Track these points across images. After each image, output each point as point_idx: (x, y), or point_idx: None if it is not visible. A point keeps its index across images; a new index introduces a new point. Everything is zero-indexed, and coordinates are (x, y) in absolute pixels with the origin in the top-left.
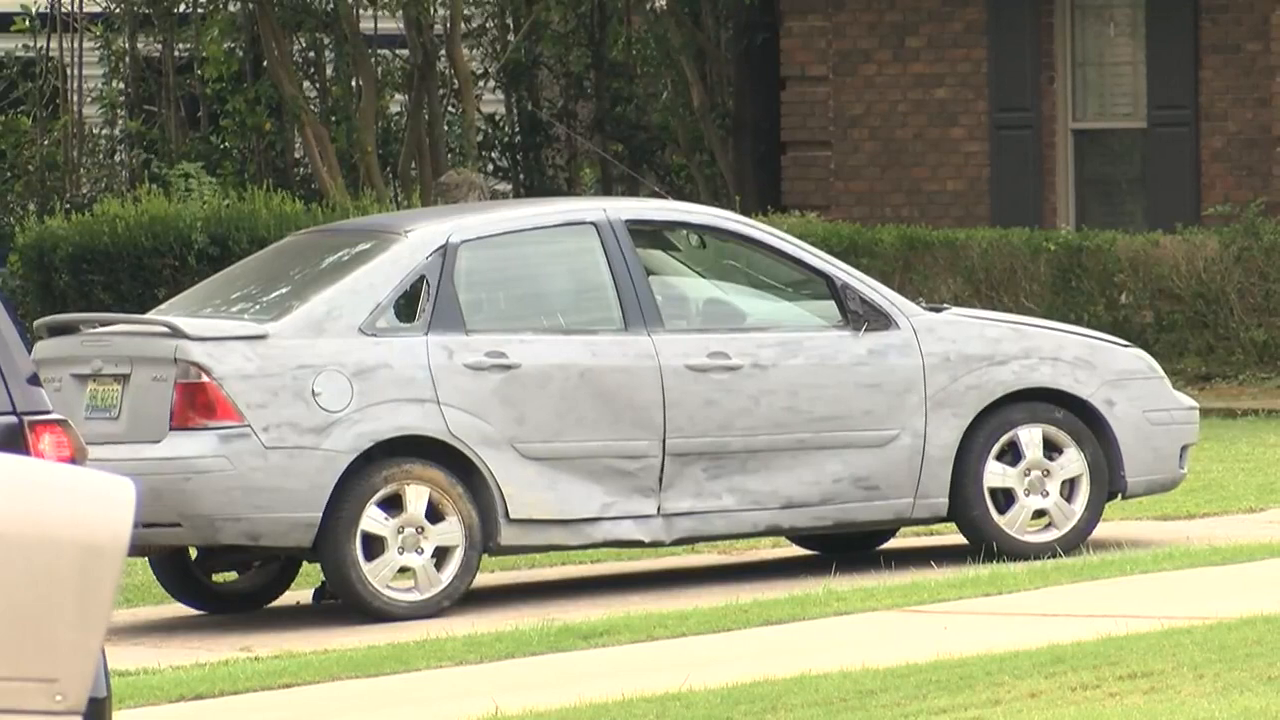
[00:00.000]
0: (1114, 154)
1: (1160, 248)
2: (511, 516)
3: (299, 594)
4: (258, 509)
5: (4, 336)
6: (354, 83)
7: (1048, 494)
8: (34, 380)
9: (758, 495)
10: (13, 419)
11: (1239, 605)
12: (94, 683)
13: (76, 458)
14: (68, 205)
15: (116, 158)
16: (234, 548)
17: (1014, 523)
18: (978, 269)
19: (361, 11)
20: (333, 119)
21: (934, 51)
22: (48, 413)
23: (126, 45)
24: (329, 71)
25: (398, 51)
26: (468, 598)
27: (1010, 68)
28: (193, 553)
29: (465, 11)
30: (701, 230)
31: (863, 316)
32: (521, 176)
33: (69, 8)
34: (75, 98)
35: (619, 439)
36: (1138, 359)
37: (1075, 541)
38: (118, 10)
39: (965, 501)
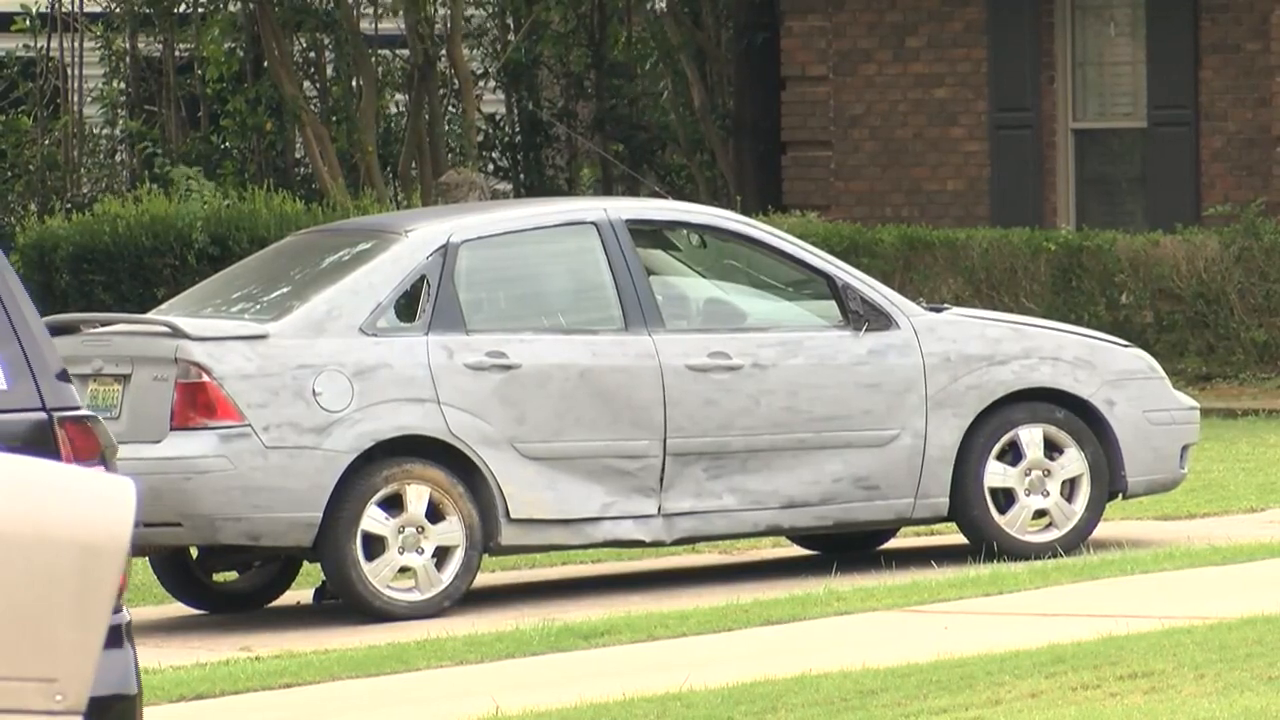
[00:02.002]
0: (1114, 154)
1: (1160, 248)
2: (512, 516)
3: (299, 594)
4: (258, 509)
5: (33, 332)
6: (354, 83)
7: (1048, 494)
8: (63, 376)
9: (758, 495)
10: (42, 415)
11: (1239, 605)
12: (125, 680)
13: (106, 455)
14: (68, 205)
15: (117, 158)
16: (234, 547)
17: (1014, 522)
18: (978, 269)
19: (361, 11)
20: (333, 119)
21: (934, 51)
22: (77, 409)
23: (127, 45)
24: (329, 71)
25: (398, 51)
26: (468, 597)
27: (1010, 67)
28: (193, 552)
29: (465, 11)
30: (702, 230)
31: (863, 316)
32: (522, 176)
33: (69, 7)
34: (76, 97)
35: (619, 439)
36: (1138, 359)
37: (1076, 541)
38: (118, 10)
39: (966, 501)
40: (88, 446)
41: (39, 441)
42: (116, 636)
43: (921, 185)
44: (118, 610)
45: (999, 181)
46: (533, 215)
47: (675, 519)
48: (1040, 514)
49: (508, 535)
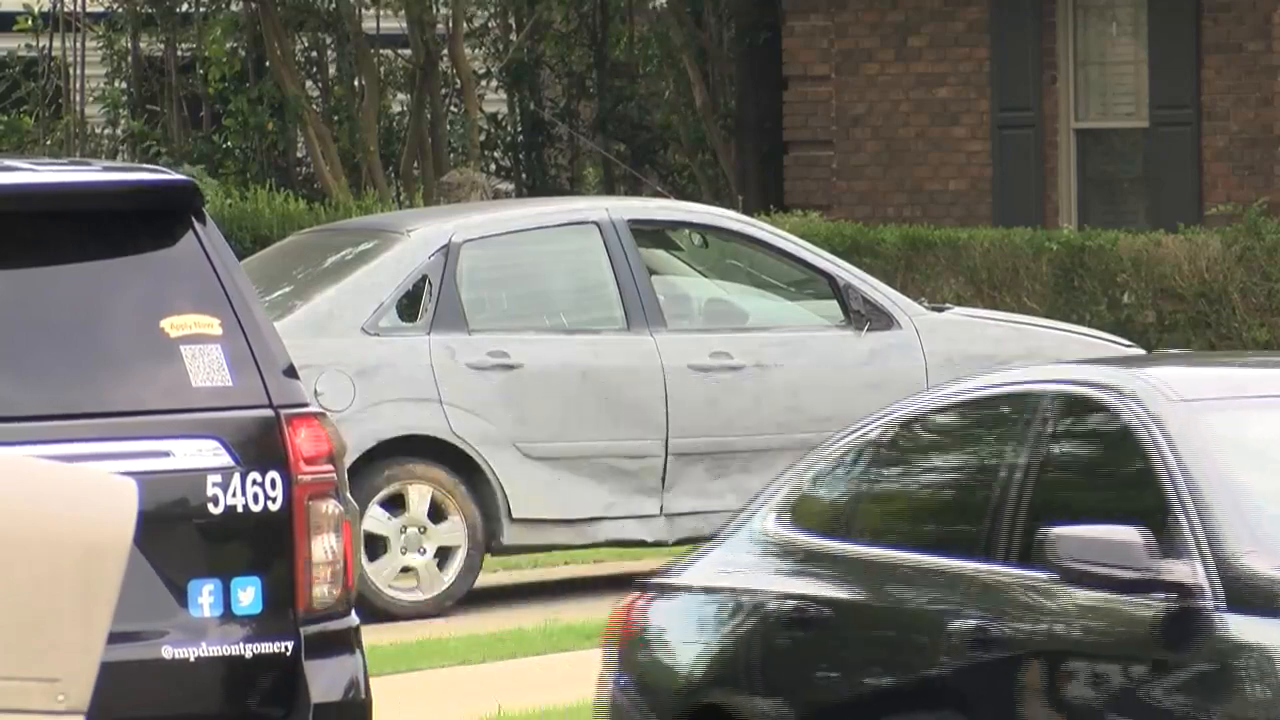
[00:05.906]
0: (1116, 153)
1: (1162, 247)
2: (514, 516)
3: None
4: None
5: (259, 325)
6: (356, 82)
7: None
8: (290, 372)
9: None
10: (269, 412)
11: None
12: (355, 686)
13: (335, 452)
14: None
15: (119, 158)
16: None
17: None
18: (980, 269)
19: (364, 11)
20: (335, 119)
21: (936, 51)
22: (305, 405)
23: (129, 45)
24: (331, 71)
25: (400, 51)
26: (469, 597)
27: (1012, 67)
28: None
29: (468, 11)
30: (704, 230)
31: (865, 316)
32: (524, 176)
33: (71, 7)
34: (78, 97)
35: (622, 438)
36: None
37: None
38: (120, 10)
39: None
40: (317, 446)
41: (265, 439)
42: (347, 642)
43: (923, 185)
44: (345, 614)
45: (1001, 181)
46: (535, 215)
47: (677, 519)
48: None
49: (510, 535)
